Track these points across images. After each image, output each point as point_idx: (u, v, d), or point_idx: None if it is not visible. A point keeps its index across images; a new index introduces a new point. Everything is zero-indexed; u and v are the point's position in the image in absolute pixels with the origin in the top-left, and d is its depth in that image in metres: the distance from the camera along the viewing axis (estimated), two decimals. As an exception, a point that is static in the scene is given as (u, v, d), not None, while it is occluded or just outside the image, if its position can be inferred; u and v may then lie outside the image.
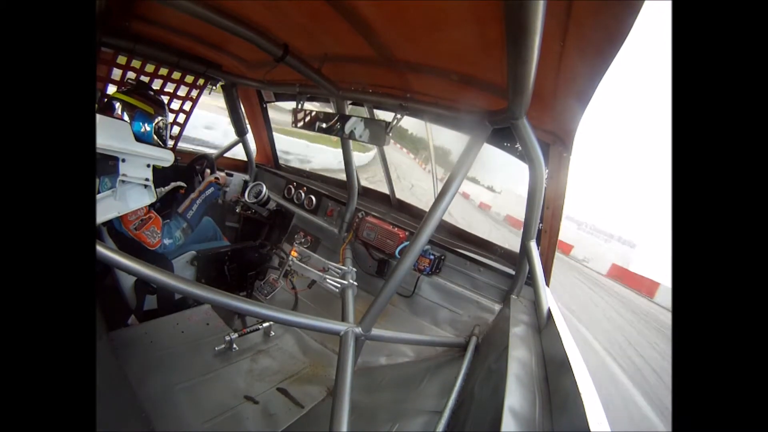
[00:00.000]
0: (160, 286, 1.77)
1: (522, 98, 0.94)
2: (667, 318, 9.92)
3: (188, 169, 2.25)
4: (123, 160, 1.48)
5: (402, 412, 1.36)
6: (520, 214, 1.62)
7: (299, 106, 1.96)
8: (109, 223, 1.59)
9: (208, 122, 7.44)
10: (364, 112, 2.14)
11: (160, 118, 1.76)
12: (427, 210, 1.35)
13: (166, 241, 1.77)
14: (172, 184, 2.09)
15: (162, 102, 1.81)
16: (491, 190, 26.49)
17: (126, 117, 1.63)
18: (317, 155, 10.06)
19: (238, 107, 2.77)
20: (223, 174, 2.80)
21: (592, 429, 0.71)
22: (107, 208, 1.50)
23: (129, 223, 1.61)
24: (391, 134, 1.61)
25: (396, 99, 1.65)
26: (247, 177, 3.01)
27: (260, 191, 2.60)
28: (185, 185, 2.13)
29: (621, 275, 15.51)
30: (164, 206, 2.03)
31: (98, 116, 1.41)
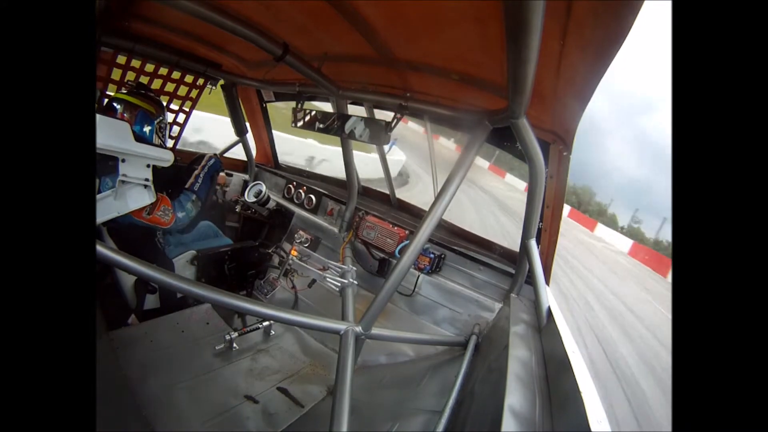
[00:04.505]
0: (160, 285, 1.77)
1: (522, 97, 0.94)
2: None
3: (188, 169, 2.25)
4: (123, 161, 1.48)
5: (402, 411, 1.36)
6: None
7: (299, 106, 1.96)
8: (111, 222, 1.59)
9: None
10: (363, 111, 2.14)
11: (161, 117, 1.76)
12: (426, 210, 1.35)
13: (180, 215, 1.77)
14: None
15: (161, 102, 1.82)
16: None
17: (128, 117, 1.63)
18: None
19: (237, 107, 2.77)
20: (222, 174, 2.80)
21: (592, 429, 0.71)
22: (107, 208, 1.49)
23: (140, 212, 1.61)
24: (390, 134, 1.61)
25: (396, 98, 1.65)
26: (246, 177, 3.01)
27: (260, 191, 2.60)
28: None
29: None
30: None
31: (98, 116, 1.41)
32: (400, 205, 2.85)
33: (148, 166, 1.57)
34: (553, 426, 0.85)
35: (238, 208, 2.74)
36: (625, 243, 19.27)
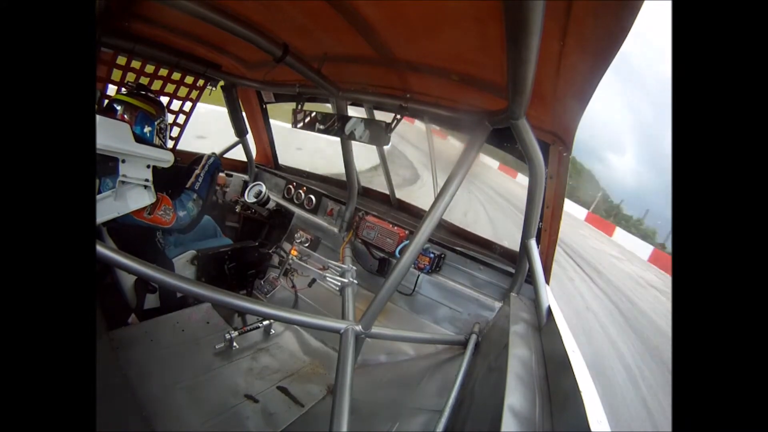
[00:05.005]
0: (160, 285, 1.77)
1: (522, 98, 0.94)
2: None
3: (188, 170, 2.25)
4: (123, 161, 1.48)
5: (402, 410, 1.36)
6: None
7: (299, 107, 1.96)
8: (111, 221, 1.59)
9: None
10: (363, 112, 2.14)
11: (161, 118, 1.76)
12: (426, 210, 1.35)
13: (181, 213, 1.78)
14: None
15: (162, 103, 1.82)
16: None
17: (128, 118, 1.63)
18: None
19: (237, 108, 2.77)
20: (222, 175, 2.81)
21: (592, 428, 0.71)
22: (107, 208, 1.49)
23: (141, 213, 1.62)
24: (391, 135, 1.61)
25: (396, 99, 1.65)
26: (246, 177, 3.01)
27: (260, 191, 2.60)
28: None
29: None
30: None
31: (98, 117, 1.41)
32: (400, 205, 2.85)
33: (149, 166, 1.58)
34: (553, 426, 0.85)
35: (238, 209, 2.75)
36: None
